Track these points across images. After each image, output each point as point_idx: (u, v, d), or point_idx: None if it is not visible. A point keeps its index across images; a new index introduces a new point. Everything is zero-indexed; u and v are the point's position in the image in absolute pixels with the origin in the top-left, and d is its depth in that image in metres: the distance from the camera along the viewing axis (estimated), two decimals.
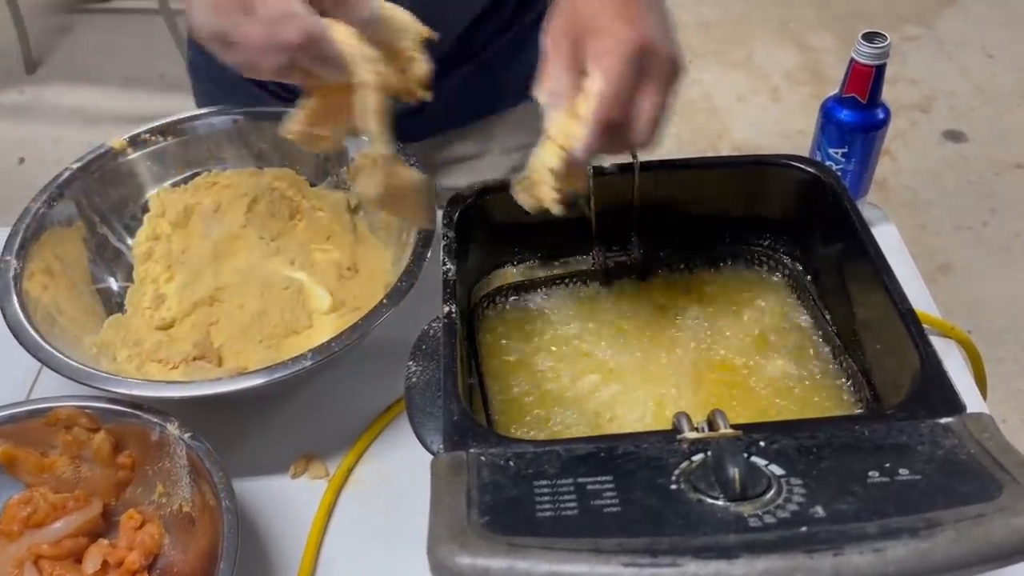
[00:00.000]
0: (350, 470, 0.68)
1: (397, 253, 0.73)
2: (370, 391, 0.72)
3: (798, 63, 2.43)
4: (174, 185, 0.80)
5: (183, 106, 0.98)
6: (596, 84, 0.50)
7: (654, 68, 0.51)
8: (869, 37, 0.74)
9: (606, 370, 0.62)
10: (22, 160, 2.18)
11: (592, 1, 0.51)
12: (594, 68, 0.51)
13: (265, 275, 0.76)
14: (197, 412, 0.65)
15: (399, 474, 0.67)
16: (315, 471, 0.68)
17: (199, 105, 0.91)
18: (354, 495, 0.67)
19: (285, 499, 0.66)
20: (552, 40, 0.53)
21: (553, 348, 0.64)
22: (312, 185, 0.81)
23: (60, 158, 2.21)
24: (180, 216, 0.78)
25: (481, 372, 0.62)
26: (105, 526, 0.62)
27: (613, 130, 0.51)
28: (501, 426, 0.58)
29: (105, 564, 0.59)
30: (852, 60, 0.74)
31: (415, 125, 0.77)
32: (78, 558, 0.60)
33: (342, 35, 0.52)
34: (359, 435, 0.70)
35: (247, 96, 0.83)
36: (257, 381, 0.61)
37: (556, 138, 0.53)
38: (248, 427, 0.71)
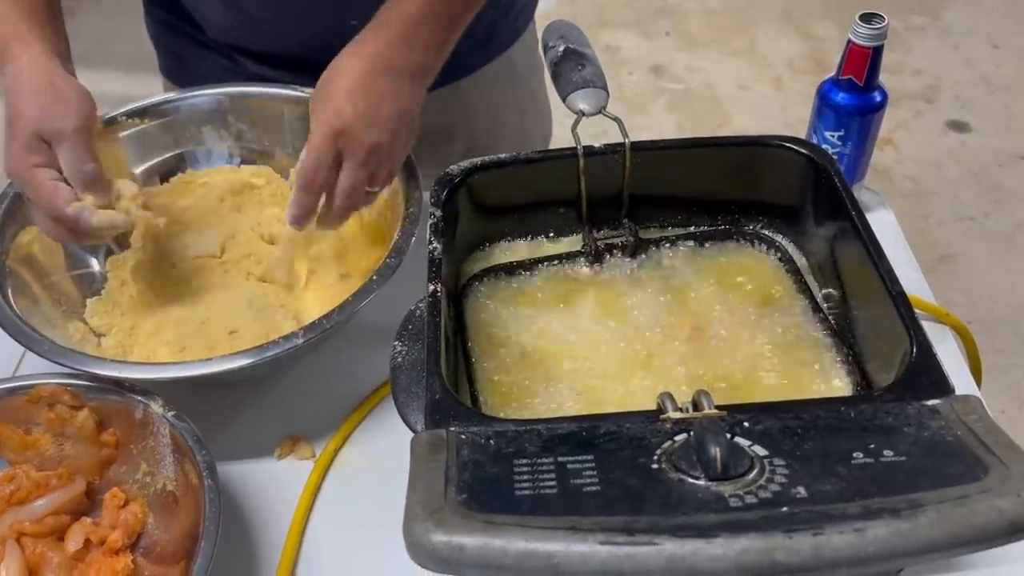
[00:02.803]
0: (336, 451, 0.67)
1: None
2: (357, 373, 0.71)
3: (801, 52, 2.41)
4: (152, 174, 0.79)
5: (154, 89, 0.97)
6: (303, 156, 0.65)
7: (349, 150, 0.63)
8: (867, 18, 0.73)
9: (594, 350, 0.61)
10: None
11: (341, 74, 0.64)
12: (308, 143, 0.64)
13: (247, 296, 0.75)
14: (184, 392, 0.64)
15: (385, 456, 0.67)
16: (301, 452, 0.67)
17: (163, 72, 0.92)
18: (340, 476, 0.66)
19: (270, 480, 0.66)
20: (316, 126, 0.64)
21: (542, 328, 0.63)
22: (293, 165, 0.80)
23: None
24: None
25: (468, 352, 0.61)
26: (88, 504, 0.62)
27: (314, 197, 0.65)
28: (488, 406, 0.57)
29: (87, 542, 0.59)
30: (849, 41, 0.73)
31: None
32: (60, 536, 0.60)
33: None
34: (345, 417, 0.69)
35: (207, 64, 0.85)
36: (246, 361, 0.60)
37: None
38: (235, 408, 0.70)
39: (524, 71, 0.94)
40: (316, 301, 0.75)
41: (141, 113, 0.78)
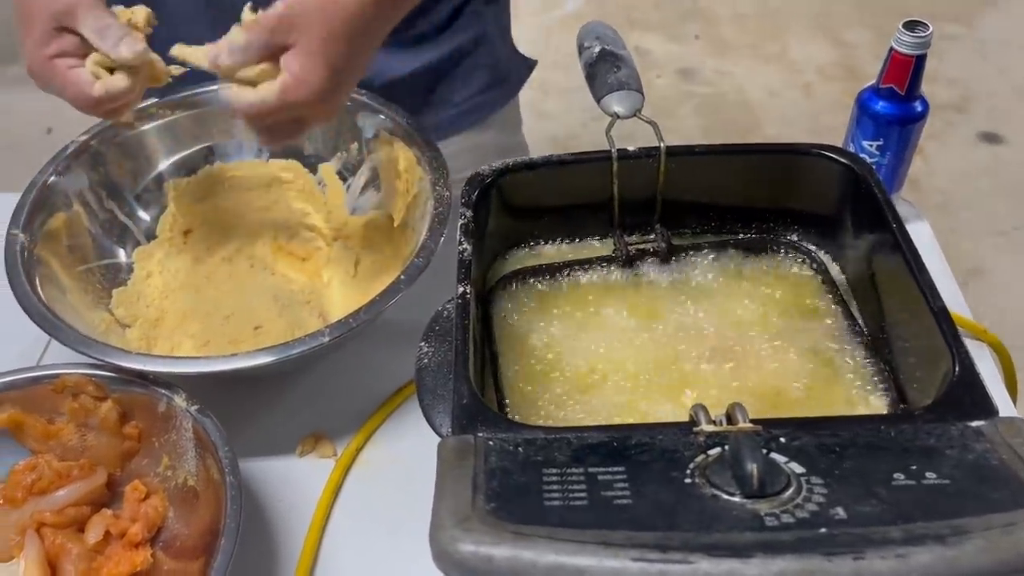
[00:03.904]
0: (358, 450, 0.67)
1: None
2: (381, 372, 0.71)
3: (832, 59, 2.38)
4: (182, 165, 0.79)
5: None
6: (274, 87, 0.58)
7: (310, 114, 0.60)
8: (910, 26, 0.71)
9: (624, 357, 0.60)
10: (50, 130, 2.19)
11: (304, 22, 0.58)
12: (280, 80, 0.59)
13: (274, 290, 0.74)
14: (206, 386, 0.64)
15: (408, 457, 0.66)
16: (323, 450, 0.67)
17: None
18: (362, 476, 0.66)
19: (291, 478, 0.65)
20: (281, 14, 0.58)
21: (570, 334, 0.62)
22: (323, 160, 0.79)
23: (86, 128, 2.22)
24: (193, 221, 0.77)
25: (495, 355, 0.60)
26: (109, 496, 0.62)
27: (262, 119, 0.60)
28: (514, 411, 0.56)
29: (107, 534, 0.59)
30: (891, 50, 0.72)
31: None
32: (80, 527, 0.59)
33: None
34: (369, 416, 0.69)
35: None
36: (272, 357, 0.60)
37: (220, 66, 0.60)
38: (257, 404, 0.70)
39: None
40: (340, 298, 0.75)
41: (172, 104, 0.77)
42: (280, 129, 0.62)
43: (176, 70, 0.67)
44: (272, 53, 0.59)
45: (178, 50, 0.62)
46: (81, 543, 0.58)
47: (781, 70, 2.38)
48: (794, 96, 2.29)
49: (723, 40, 2.50)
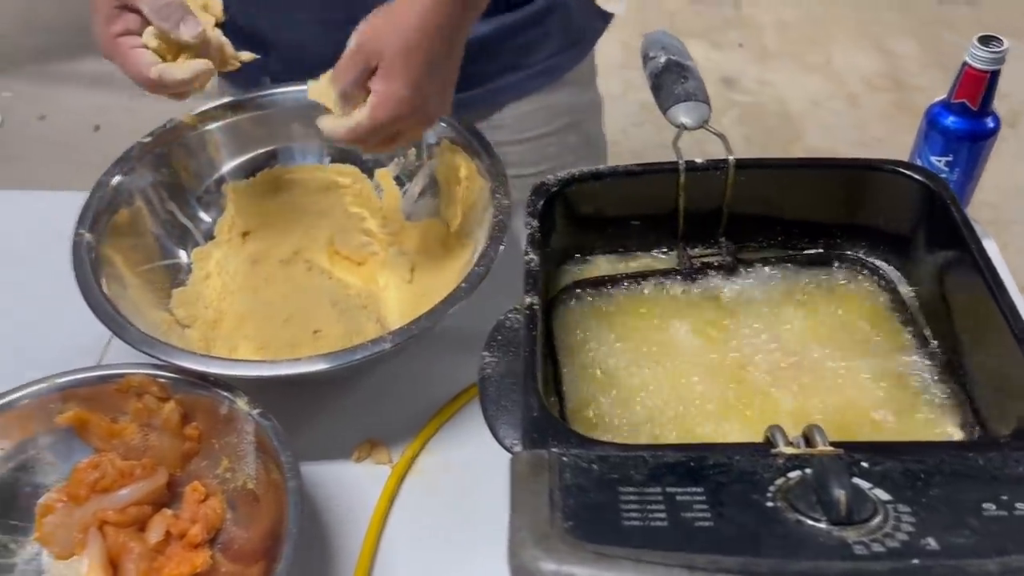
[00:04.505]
0: (414, 458, 0.66)
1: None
2: (437, 380, 0.70)
3: (879, 69, 2.35)
4: (243, 169, 0.79)
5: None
6: (365, 111, 0.62)
7: (410, 125, 0.64)
8: (985, 41, 0.69)
9: (687, 374, 0.59)
10: (97, 128, 2.22)
11: (379, 46, 0.60)
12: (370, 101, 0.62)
13: (332, 294, 0.74)
14: (264, 389, 0.64)
15: (463, 466, 0.66)
16: (378, 456, 0.66)
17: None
18: (417, 484, 0.65)
19: (347, 483, 0.65)
20: (356, 45, 0.62)
21: (632, 346, 0.61)
22: (380, 165, 0.79)
23: (134, 127, 2.22)
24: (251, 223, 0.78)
25: (557, 367, 0.60)
26: (169, 496, 0.62)
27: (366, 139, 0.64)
28: (578, 424, 0.56)
29: (168, 535, 0.59)
30: (964, 64, 0.70)
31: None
32: (141, 526, 0.60)
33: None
34: (424, 424, 0.68)
35: None
36: (336, 363, 0.60)
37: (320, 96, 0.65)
38: (313, 407, 0.70)
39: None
40: (396, 303, 0.74)
41: (234, 107, 0.78)
42: (379, 145, 0.65)
43: (246, 56, 0.68)
44: (365, 84, 0.62)
45: (314, 93, 0.65)
46: (142, 542, 0.58)
47: (825, 79, 2.35)
48: (838, 106, 2.26)
49: (765, 48, 2.47)
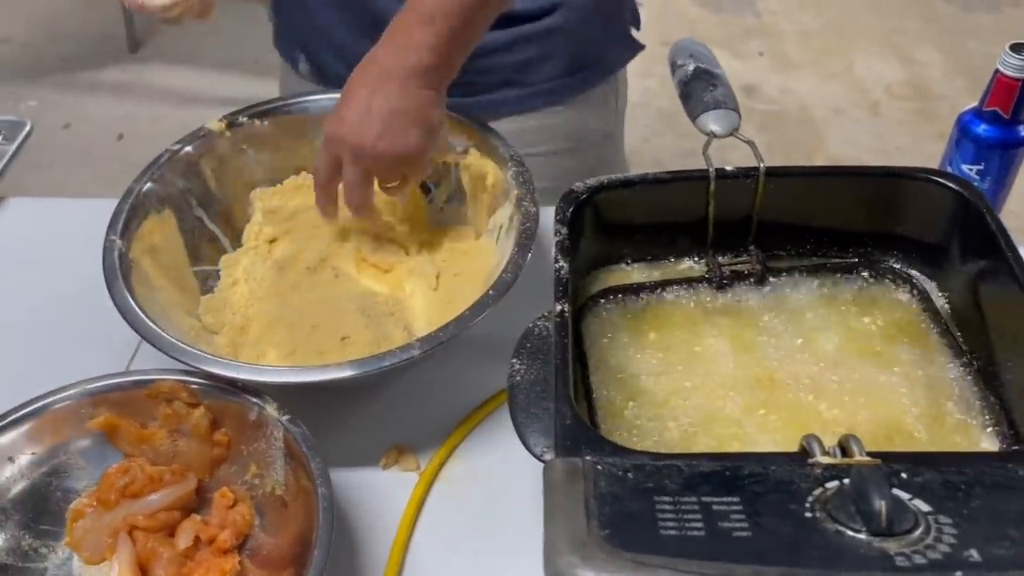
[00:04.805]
0: (441, 465, 0.66)
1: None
2: (464, 386, 0.70)
3: (901, 77, 2.34)
4: (271, 175, 0.79)
5: (275, 91, 0.99)
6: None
7: (341, 152, 0.68)
8: (1017, 48, 0.69)
9: (717, 380, 0.59)
10: (121, 136, 2.25)
11: (348, 81, 0.68)
12: None
13: (360, 299, 0.74)
14: (291, 395, 0.64)
15: (491, 472, 0.66)
16: (406, 463, 0.66)
17: (278, 47, 0.95)
18: (445, 492, 0.65)
19: (375, 490, 0.65)
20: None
21: (661, 354, 0.61)
22: None
23: (156, 136, 2.25)
24: (279, 229, 0.78)
25: (586, 374, 0.59)
26: (197, 502, 0.62)
27: (324, 194, 0.72)
28: (609, 432, 0.55)
29: (197, 540, 0.59)
30: (996, 72, 0.69)
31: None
32: (171, 532, 0.60)
33: None
34: (451, 431, 0.68)
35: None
36: (364, 369, 0.60)
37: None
38: (340, 414, 0.70)
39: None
40: (422, 310, 0.74)
41: (263, 114, 0.78)
42: (355, 187, 0.68)
43: None
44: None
45: None
46: (172, 547, 0.58)
47: (847, 88, 2.33)
48: (860, 115, 2.25)
49: (787, 56, 2.46)
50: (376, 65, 0.67)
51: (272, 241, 0.78)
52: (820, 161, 2.10)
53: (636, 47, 0.92)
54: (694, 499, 0.41)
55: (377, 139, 0.66)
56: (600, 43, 0.88)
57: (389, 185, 0.72)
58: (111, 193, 0.73)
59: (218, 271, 0.76)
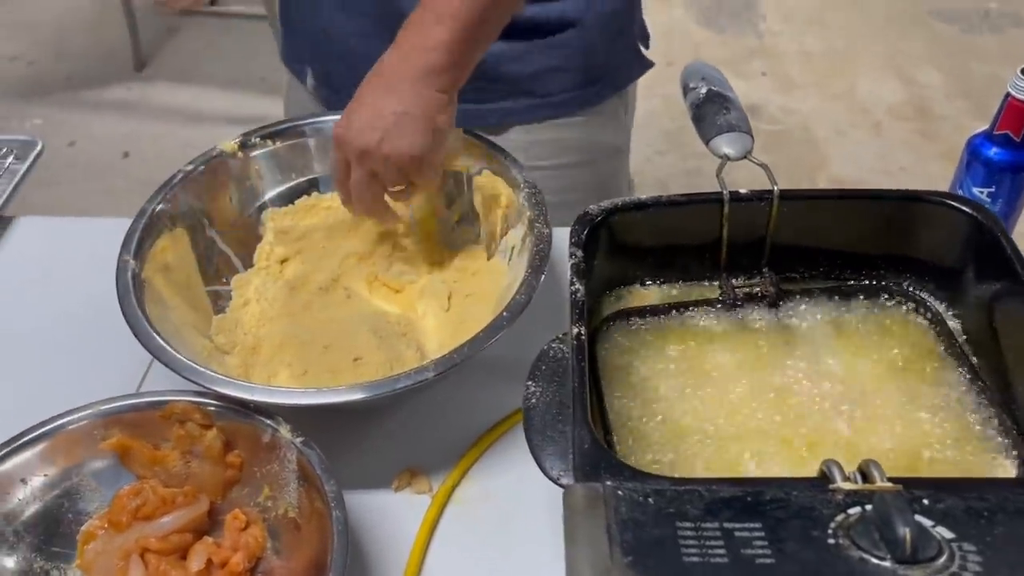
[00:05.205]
0: (454, 487, 0.66)
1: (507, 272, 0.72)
2: (476, 408, 0.70)
3: (902, 98, 2.35)
4: (283, 196, 0.80)
5: (281, 110, 0.99)
6: None
7: (348, 154, 0.68)
8: None
9: (731, 403, 0.59)
10: (126, 154, 2.25)
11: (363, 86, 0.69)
12: None
13: (372, 319, 0.74)
14: (303, 416, 0.64)
15: (504, 494, 0.65)
16: (418, 486, 0.66)
17: (285, 59, 0.95)
18: (457, 514, 0.65)
19: (387, 512, 0.65)
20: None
21: (673, 377, 0.61)
22: None
23: (162, 154, 2.27)
24: (290, 249, 0.79)
25: (600, 397, 0.59)
26: (209, 524, 0.62)
27: (343, 191, 0.72)
28: (622, 453, 0.55)
29: (209, 563, 0.59)
30: (1008, 95, 0.70)
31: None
32: (183, 554, 0.59)
33: None
34: (464, 453, 0.68)
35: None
36: (379, 391, 0.60)
37: None
38: (353, 436, 0.69)
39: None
40: (434, 331, 0.74)
41: (275, 135, 0.79)
42: (362, 188, 0.69)
43: None
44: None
45: None
46: (183, 570, 0.58)
47: (849, 109, 2.35)
48: (862, 135, 2.25)
49: (789, 77, 2.48)
50: (389, 67, 0.67)
51: (284, 261, 0.79)
52: (823, 181, 2.10)
53: (646, 63, 0.92)
54: (716, 525, 0.41)
55: (381, 141, 0.66)
56: (613, 57, 0.88)
57: (395, 189, 0.72)
58: (116, 211, 0.73)
59: (230, 291, 0.76)
